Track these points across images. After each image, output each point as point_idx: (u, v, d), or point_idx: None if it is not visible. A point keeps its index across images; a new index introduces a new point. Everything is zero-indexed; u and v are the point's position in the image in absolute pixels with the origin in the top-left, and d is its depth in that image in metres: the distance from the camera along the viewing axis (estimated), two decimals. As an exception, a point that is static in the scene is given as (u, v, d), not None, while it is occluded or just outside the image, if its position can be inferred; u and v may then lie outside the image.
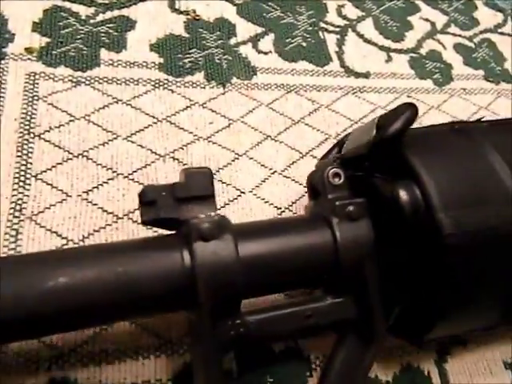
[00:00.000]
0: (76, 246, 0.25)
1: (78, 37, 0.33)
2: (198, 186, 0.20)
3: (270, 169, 0.31)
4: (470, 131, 0.22)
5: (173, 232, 0.20)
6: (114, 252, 0.19)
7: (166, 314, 0.22)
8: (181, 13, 0.37)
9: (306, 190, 0.25)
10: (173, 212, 0.19)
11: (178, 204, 0.19)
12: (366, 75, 0.38)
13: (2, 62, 0.30)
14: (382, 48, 0.40)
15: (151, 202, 0.19)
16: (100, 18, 0.34)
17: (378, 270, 0.20)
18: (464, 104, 0.39)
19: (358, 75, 0.38)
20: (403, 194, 0.20)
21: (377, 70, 0.39)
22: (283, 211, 0.30)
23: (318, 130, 0.34)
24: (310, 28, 0.40)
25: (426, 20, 0.44)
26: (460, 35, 0.44)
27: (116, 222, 0.26)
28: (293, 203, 0.30)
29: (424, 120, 0.36)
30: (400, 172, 0.20)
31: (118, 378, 0.22)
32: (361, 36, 0.41)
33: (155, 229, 0.25)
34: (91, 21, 0.34)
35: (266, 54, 0.37)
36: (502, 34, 0.46)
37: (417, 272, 0.20)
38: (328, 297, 0.21)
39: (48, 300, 0.17)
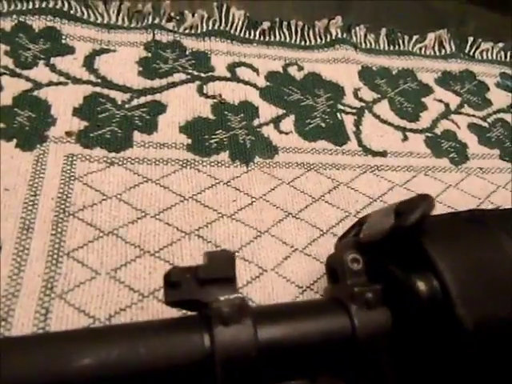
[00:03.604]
0: (100, 326, 0.25)
1: (114, 120, 0.36)
2: (219, 269, 0.21)
3: (292, 246, 0.32)
4: (486, 221, 0.23)
5: (194, 314, 0.21)
6: (138, 332, 0.20)
7: None
8: (208, 97, 0.40)
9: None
10: (195, 294, 0.20)
11: (201, 286, 0.20)
12: (383, 154, 0.40)
13: (44, 144, 0.33)
14: (398, 128, 0.42)
15: (175, 283, 0.20)
16: (134, 102, 0.37)
17: (395, 359, 0.20)
18: (482, 183, 0.39)
19: (375, 154, 0.39)
20: (421, 285, 0.20)
21: (394, 148, 0.40)
22: (304, 290, 0.30)
23: (338, 208, 0.35)
24: (329, 109, 0.42)
25: (440, 101, 0.46)
26: (474, 115, 0.46)
27: (141, 301, 0.27)
28: (314, 282, 0.30)
29: (443, 198, 0.37)
30: (417, 261, 0.21)
31: None
32: (377, 117, 0.43)
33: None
34: (126, 105, 0.37)
35: (286, 134, 0.39)
36: (515, 113, 0.48)
37: (433, 360, 0.20)
38: None
39: (72, 381, 0.18)
